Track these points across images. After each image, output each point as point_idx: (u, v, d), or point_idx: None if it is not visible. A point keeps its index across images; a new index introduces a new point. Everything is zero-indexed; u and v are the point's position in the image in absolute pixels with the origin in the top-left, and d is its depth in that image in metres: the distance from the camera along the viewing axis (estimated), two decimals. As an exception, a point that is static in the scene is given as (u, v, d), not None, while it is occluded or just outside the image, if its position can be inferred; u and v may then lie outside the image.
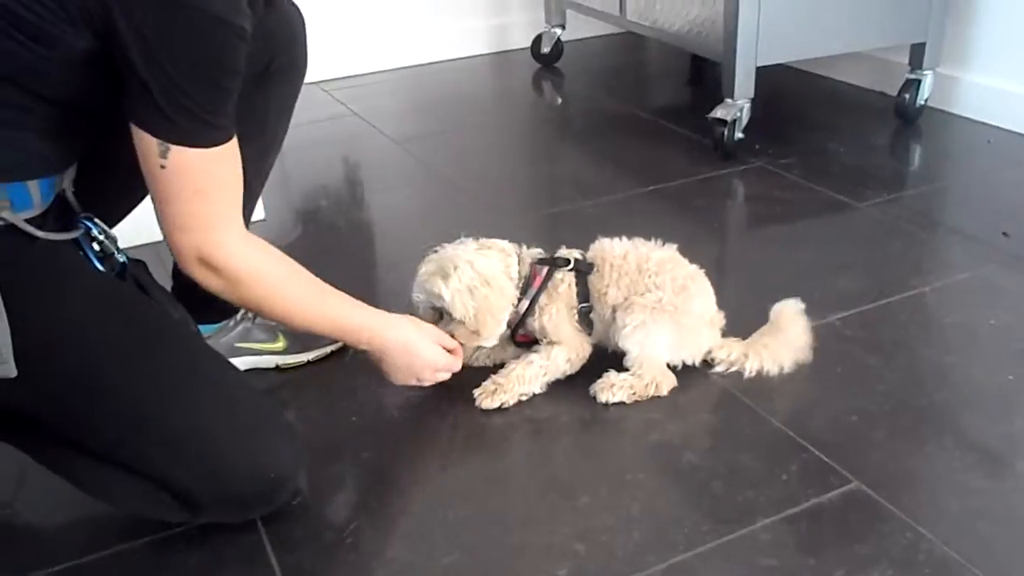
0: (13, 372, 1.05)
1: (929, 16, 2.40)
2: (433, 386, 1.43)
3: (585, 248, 1.51)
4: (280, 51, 1.31)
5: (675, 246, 1.50)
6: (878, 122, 2.58)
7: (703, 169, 2.28)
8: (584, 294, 1.46)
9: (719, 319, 1.51)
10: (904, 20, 2.40)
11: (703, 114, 2.34)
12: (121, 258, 1.22)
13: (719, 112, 2.29)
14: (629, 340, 1.43)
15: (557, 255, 1.48)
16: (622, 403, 1.42)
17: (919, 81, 2.48)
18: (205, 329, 1.47)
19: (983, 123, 2.49)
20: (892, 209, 2.05)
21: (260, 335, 1.53)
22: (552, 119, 2.92)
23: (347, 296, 1.30)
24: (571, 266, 1.46)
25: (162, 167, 1.07)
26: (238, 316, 1.52)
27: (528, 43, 3.28)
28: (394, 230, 2.10)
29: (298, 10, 1.38)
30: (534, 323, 1.46)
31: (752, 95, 2.28)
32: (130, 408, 1.12)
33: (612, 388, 1.42)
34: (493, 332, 1.43)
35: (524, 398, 1.44)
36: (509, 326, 1.47)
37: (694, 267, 1.49)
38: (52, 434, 1.14)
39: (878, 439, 1.32)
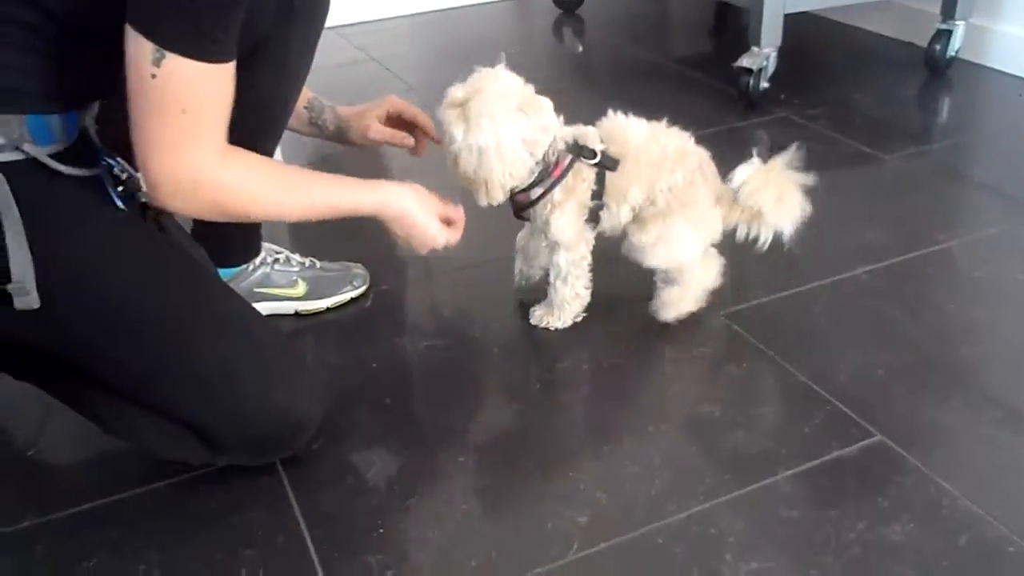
0: (36, 303, 1.05)
1: (963, -36, 2.34)
2: (452, 337, 1.42)
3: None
4: None
5: (687, 133, 1.43)
6: (907, 73, 2.52)
7: (728, 119, 2.25)
8: (600, 191, 1.39)
9: (726, 194, 1.42)
10: (937, -32, 2.35)
11: (727, 63, 2.30)
12: (143, 198, 1.21)
13: (745, 61, 2.25)
14: (653, 258, 1.41)
15: (583, 142, 1.38)
16: (643, 352, 1.41)
17: (950, 32, 2.42)
18: (224, 273, 1.46)
19: (1015, 76, 2.44)
20: (919, 162, 2.02)
21: (280, 280, 1.53)
22: (573, 67, 2.88)
23: (337, 178, 1.26)
24: (596, 160, 1.37)
25: (153, 76, 1.02)
26: (257, 261, 1.51)
27: (550, -11, 3.22)
28: (409, 177, 2.08)
29: None
30: (542, 214, 1.40)
31: (779, 43, 2.24)
32: (154, 346, 1.12)
33: (670, 306, 1.44)
34: (490, 198, 1.35)
35: (581, 315, 1.48)
36: (517, 208, 1.42)
37: (699, 150, 1.42)
38: (76, 373, 1.15)
39: (901, 393, 1.31)
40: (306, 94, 1.49)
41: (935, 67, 2.47)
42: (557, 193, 1.37)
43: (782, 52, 2.26)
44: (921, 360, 1.37)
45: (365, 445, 1.27)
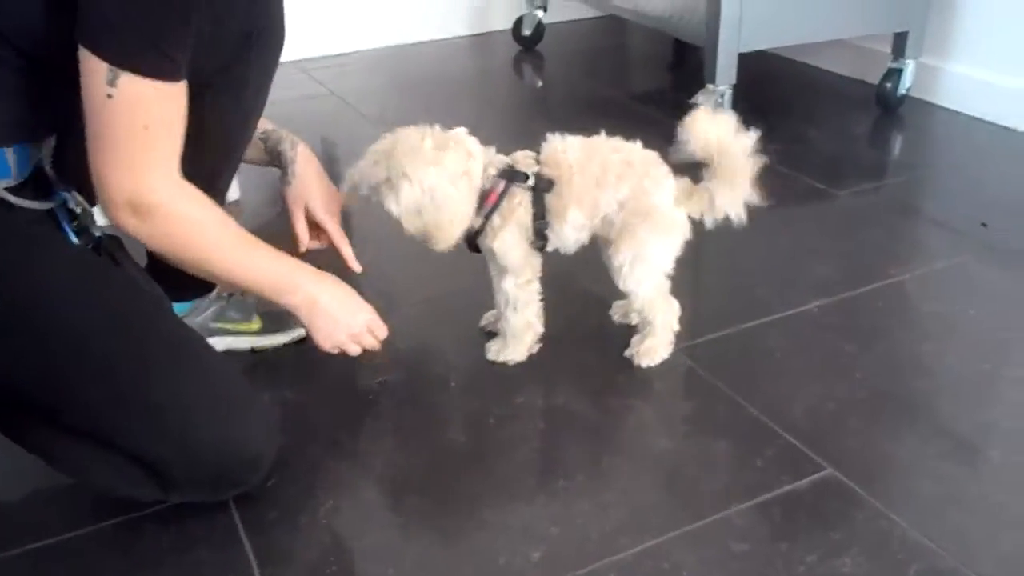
0: None
1: (912, 5, 2.41)
2: (408, 372, 1.42)
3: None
4: (260, 17, 1.29)
5: (634, 142, 1.43)
6: (859, 111, 2.58)
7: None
8: (541, 212, 1.38)
9: (682, 188, 1.42)
10: (887, 9, 2.41)
11: (684, 99, 2.33)
12: (97, 232, 1.21)
13: (700, 98, 2.28)
14: (635, 283, 1.41)
15: (516, 165, 1.38)
16: (600, 387, 1.43)
17: (901, 70, 2.48)
18: (179, 308, 1.45)
19: (964, 113, 2.50)
20: (871, 197, 2.06)
21: (234, 314, 1.52)
22: (532, 102, 2.91)
23: (277, 251, 1.25)
24: (530, 182, 1.37)
25: (109, 96, 1.02)
26: (212, 295, 1.50)
27: (509, 25, 3.26)
28: (370, 210, 2.08)
29: None
30: (485, 241, 1.40)
31: (734, 81, 2.28)
32: (106, 379, 1.11)
33: (651, 352, 1.46)
34: (446, 242, 1.36)
35: (535, 347, 1.49)
36: (466, 239, 1.41)
37: (645, 155, 1.41)
38: (28, 409, 1.13)
39: (853, 426, 1.33)
40: (269, 125, 1.48)
41: (886, 105, 2.53)
42: (495, 219, 1.38)
43: (737, 89, 2.30)
44: (872, 393, 1.39)
45: (319, 483, 1.26)
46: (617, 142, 1.42)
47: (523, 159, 1.40)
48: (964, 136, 2.40)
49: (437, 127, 1.36)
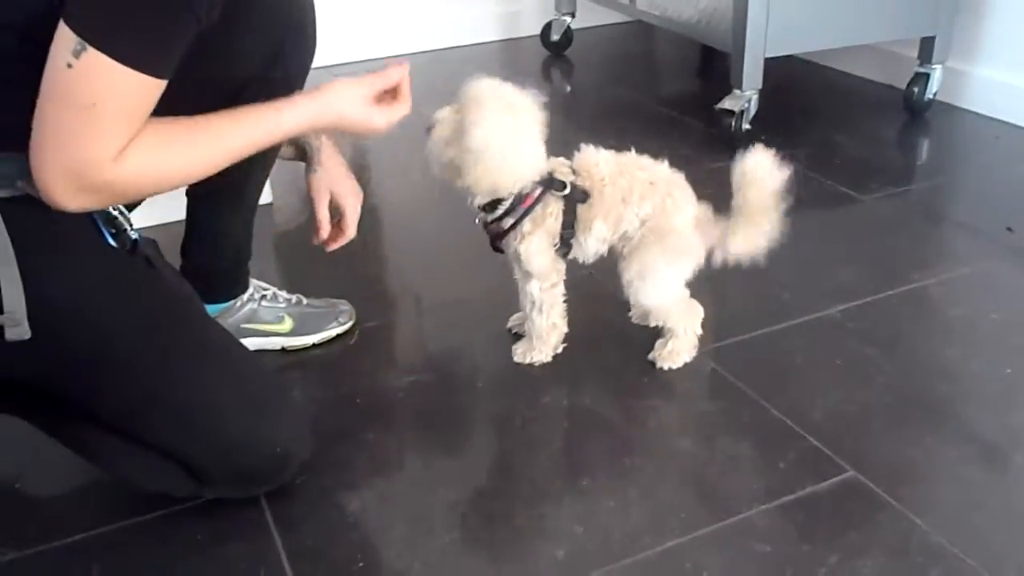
0: (28, 334, 1.06)
1: (939, 10, 2.40)
2: (436, 372, 1.45)
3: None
4: (290, 33, 1.32)
5: (661, 161, 1.45)
6: (886, 115, 2.58)
7: (710, 160, 2.28)
8: (571, 221, 1.40)
9: (703, 214, 1.45)
10: (914, 13, 2.40)
11: (711, 104, 2.34)
12: (133, 235, 1.23)
13: (727, 103, 2.29)
14: (643, 295, 1.43)
15: (555, 174, 1.40)
16: (624, 388, 1.45)
17: (928, 75, 2.47)
18: (211, 309, 1.49)
19: (991, 118, 2.49)
20: (897, 202, 2.06)
21: (266, 316, 1.55)
22: (561, 107, 2.92)
23: (250, 112, 1.16)
24: (565, 191, 1.39)
25: (69, 66, 0.99)
26: (244, 297, 1.54)
27: (538, 31, 3.28)
28: (400, 217, 2.12)
29: None
30: (512, 244, 1.42)
31: (760, 86, 2.29)
32: (140, 378, 1.13)
33: (673, 355, 1.48)
34: (482, 188, 1.36)
35: (560, 347, 1.51)
36: (491, 237, 1.44)
37: (670, 177, 1.43)
38: (64, 406, 1.16)
39: (876, 430, 1.33)
40: None
41: (914, 109, 2.52)
42: (526, 224, 1.40)
43: (764, 94, 2.30)
44: (895, 397, 1.40)
45: (347, 480, 1.29)
46: (646, 160, 1.44)
47: (559, 167, 1.42)
48: (991, 140, 2.39)
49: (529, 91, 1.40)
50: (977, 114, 2.52)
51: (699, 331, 1.49)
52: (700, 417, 1.40)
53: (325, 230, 1.46)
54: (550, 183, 1.39)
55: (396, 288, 1.79)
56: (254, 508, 1.23)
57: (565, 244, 1.43)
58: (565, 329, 1.51)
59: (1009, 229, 1.88)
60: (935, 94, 2.50)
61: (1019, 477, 1.25)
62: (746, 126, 2.31)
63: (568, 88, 3.09)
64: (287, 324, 1.56)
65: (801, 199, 2.06)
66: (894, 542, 1.13)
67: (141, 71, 1.03)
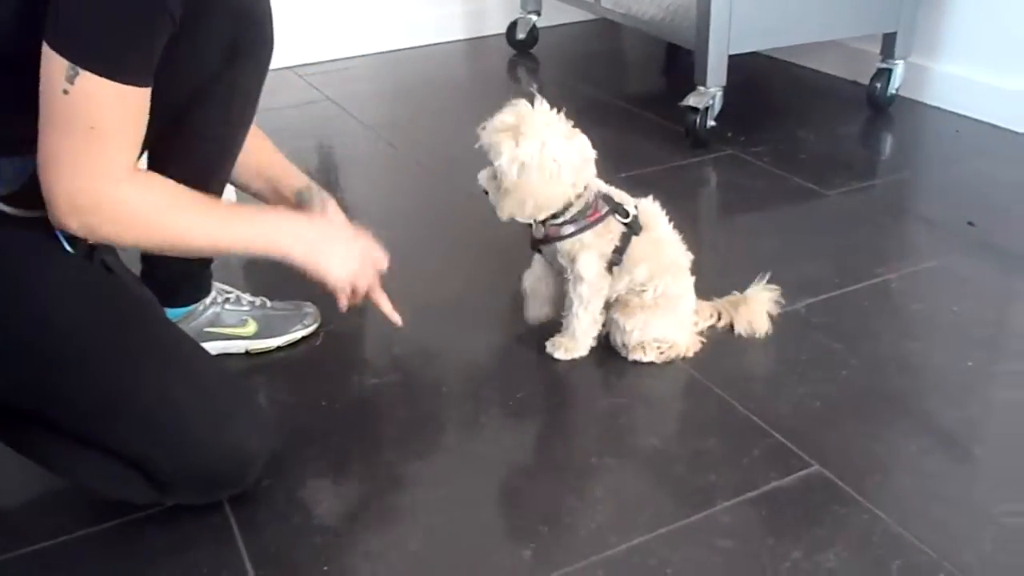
0: None
1: (901, 6, 2.42)
2: (403, 374, 1.44)
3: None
4: (247, 28, 1.31)
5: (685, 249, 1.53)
6: (849, 111, 2.60)
7: (675, 157, 2.30)
8: (622, 249, 1.45)
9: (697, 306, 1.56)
10: (876, 9, 2.42)
11: (676, 101, 2.35)
12: (90, 240, 1.22)
13: (691, 100, 2.30)
14: (629, 338, 1.48)
15: (617, 201, 1.46)
16: (592, 387, 1.45)
17: (890, 70, 2.50)
18: (173, 314, 1.47)
19: (952, 112, 2.52)
20: (860, 197, 2.08)
21: (230, 319, 1.54)
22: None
23: (252, 211, 1.25)
24: (628, 220, 1.44)
25: (65, 92, 1.02)
26: (207, 300, 1.52)
27: (503, 29, 3.28)
28: (367, 216, 2.10)
29: None
30: (567, 248, 1.44)
31: (724, 83, 2.30)
32: (99, 385, 1.12)
33: (643, 348, 1.49)
34: (518, 213, 1.39)
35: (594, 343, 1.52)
36: (541, 239, 1.46)
37: (685, 261, 1.52)
38: (23, 414, 1.15)
39: (839, 424, 1.35)
40: (303, 177, 1.48)
41: (877, 105, 2.55)
42: (587, 235, 1.43)
43: (728, 91, 2.31)
44: (858, 391, 1.41)
45: (313, 483, 1.28)
46: (678, 240, 1.52)
47: (626, 199, 1.48)
48: (952, 135, 2.42)
49: (570, 121, 1.43)
50: (938, 109, 2.55)
51: (683, 353, 1.52)
52: (666, 414, 1.41)
53: (344, 304, 1.37)
54: (616, 206, 1.44)
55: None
56: (218, 513, 1.22)
57: (608, 268, 1.46)
58: (601, 326, 1.52)
59: (970, 223, 1.90)
60: (897, 89, 2.52)
61: (978, 468, 1.26)
62: (711, 123, 2.32)
63: (534, 86, 3.08)
64: (251, 327, 1.55)
65: (765, 195, 2.08)
66: (857, 535, 1.14)
67: (134, 84, 1.06)
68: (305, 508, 1.23)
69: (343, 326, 1.63)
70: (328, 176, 2.35)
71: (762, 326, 1.54)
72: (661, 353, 1.48)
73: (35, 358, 1.11)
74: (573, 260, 1.45)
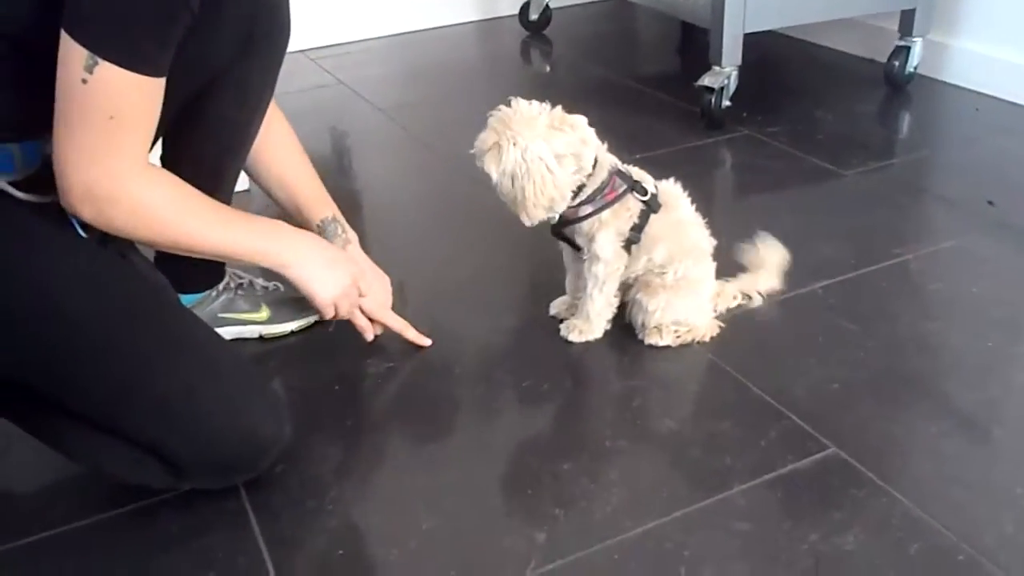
0: None
1: (919, -18, 2.39)
2: (415, 358, 1.44)
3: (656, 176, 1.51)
4: (263, 15, 1.30)
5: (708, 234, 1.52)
6: (867, 89, 2.57)
7: (690, 138, 2.28)
8: (640, 227, 1.44)
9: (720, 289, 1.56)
10: (893, -14, 2.39)
11: (691, 82, 2.33)
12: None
13: (706, 80, 2.28)
14: (651, 319, 1.47)
15: (636, 179, 1.45)
16: (607, 370, 1.44)
17: (908, 48, 2.47)
18: (187, 299, 1.47)
19: (972, 90, 2.49)
20: (878, 177, 2.05)
21: (243, 305, 1.53)
22: (540, 87, 2.91)
23: (252, 219, 1.27)
24: (646, 197, 1.43)
25: (84, 81, 1.02)
26: (220, 286, 1.52)
27: (516, 10, 3.26)
28: (380, 199, 2.10)
29: None
30: (586, 228, 1.44)
31: (740, 62, 2.27)
32: (115, 370, 1.13)
33: (659, 332, 1.48)
34: (529, 217, 1.38)
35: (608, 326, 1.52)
36: (560, 223, 1.45)
37: (708, 246, 1.51)
38: (40, 400, 1.15)
39: (857, 406, 1.33)
40: (331, 207, 1.51)
41: (895, 83, 2.52)
42: (606, 214, 1.42)
43: (744, 70, 2.29)
44: (876, 373, 1.40)
45: (326, 468, 1.28)
46: (701, 230, 1.52)
47: (645, 176, 1.47)
48: (971, 113, 2.39)
49: (559, 108, 1.40)
50: (957, 87, 2.52)
51: (700, 337, 1.51)
52: (682, 397, 1.40)
53: (370, 335, 1.48)
54: (634, 184, 1.43)
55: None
56: (233, 498, 1.22)
57: (626, 248, 1.45)
58: (616, 308, 1.51)
59: (990, 203, 1.88)
60: (916, 67, 2.49)
61: (997, 450, 1.25)
62: (726, 103, 2.29)
63: (547, 68, 3.07)
64: (264, 312, 1.55)
65: (781, 176, 2.06)
66: (875, 518, 1.13)
67: (153, 75, 1.06)
68: (319, 492, 1.23)
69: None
70: (340, 160, 2.34)
71: (776, 283, 1.57)
72: (678, 337, 1.47)
73: (50, 345, 1.11)
74: (591, 239, 1.44)
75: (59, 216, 1.17)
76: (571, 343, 1.49)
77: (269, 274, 1.61)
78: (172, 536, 1.17)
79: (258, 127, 1.42)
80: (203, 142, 1.33)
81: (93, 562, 1.14)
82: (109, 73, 1.02)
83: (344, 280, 1.35)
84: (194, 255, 1.23)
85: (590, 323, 1.50)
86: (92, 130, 1.05)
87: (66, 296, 1.12)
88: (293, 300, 1.58)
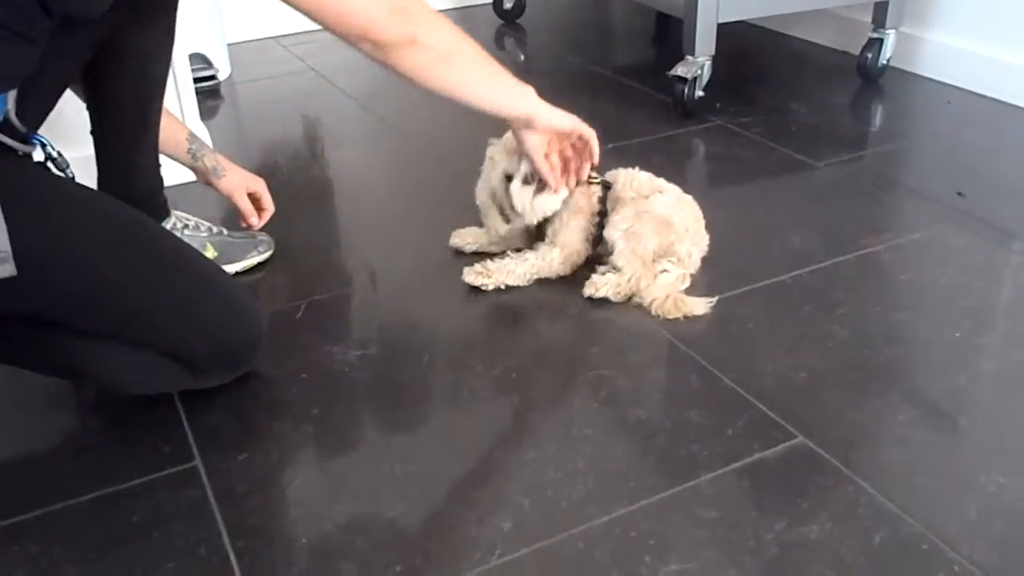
0: (14, 271, 1.11)
1: (892, -26, 2.39)
2: (383, 345, 1.45)
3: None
4: None
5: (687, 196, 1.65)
6: (840, 81, 2.57)
7: (664, 127, 2.28)
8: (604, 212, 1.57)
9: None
10: (867, -22, 2.40)
11: (664, 72, 2.33)
12: (71, 173, 1.30)
13: (679, 69, 2.28)
14: (615, 231, 1.57)
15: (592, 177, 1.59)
16: (574, 359, 1.43)
17: (881, 40, 2.47)
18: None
19: (944, 83, 2.50)
20: (850, 168, 2.06)
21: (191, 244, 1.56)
22: (515, 76, 2.89)
23: (510, 82, 1.48)
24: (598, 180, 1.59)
25: None
26: (167, 226, 1.57)
27: (491, -1, 3.24)
28: (352, 188, 2.08)
29: None
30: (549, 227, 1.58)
31: (713, 52, 2.27)
32: (132, 294, 1.23)
33: (596, 286, 1.54)
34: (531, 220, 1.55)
35: (503, 287, 1.58)
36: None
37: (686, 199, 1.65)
38: (61, 328, 1.22)
39: (825, 395, 1.33)
40: (186, 129, 1.65)
41: (867, 75, 2.52)
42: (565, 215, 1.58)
43: (717, 61, 2.29)
44: (844, 362, 1.40)
45: (290, 456, 1.26)
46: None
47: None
48: (943, 105, 2.40)
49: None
50: (930, 79, 2.53)
51: (639, 294, 1.55)
52: (650, 386, 1.39)
53: (254, 215, 1.67)
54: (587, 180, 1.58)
55: (343, 261, 1.76)
56: (195, 486, 1.20)
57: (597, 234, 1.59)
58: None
59: (960, 194, 1.89)
60: (888, 60, 2.50)
61: (963, 439, 1.25)
62: (699, 93, 2.29)
63: (521, 57, 3.06)
64: (211, 253, 1.61)
65: (754, 166, 2.06)
66: (841, 506, 1.13)
67: None
68: (283, 481, 1.22)
69: (325, 298, 1.61)
70: (313, 147, 2.32)
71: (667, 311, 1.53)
72: (618, 290, 1.53)
73: (68, 273, 1.17)
74: (554, 236, 1.53)
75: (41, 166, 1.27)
76: (540, 332, 1.49)
77: (215, 217, 1.72)
78: (133, 525, 1.15)
79: (160, 107, 1.48)
80: (122, 79, 1.40)
81: (54, 550, 1.12)
82: None
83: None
84: (461, 104, 1.40)
85: (505, 274, 1.58)
86: None
87: (73, 231, 1.19)
88: (236, 242, 1.65)
